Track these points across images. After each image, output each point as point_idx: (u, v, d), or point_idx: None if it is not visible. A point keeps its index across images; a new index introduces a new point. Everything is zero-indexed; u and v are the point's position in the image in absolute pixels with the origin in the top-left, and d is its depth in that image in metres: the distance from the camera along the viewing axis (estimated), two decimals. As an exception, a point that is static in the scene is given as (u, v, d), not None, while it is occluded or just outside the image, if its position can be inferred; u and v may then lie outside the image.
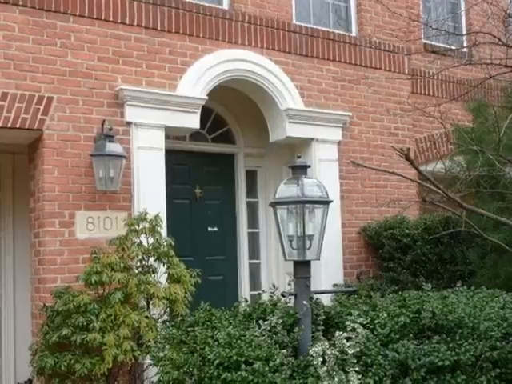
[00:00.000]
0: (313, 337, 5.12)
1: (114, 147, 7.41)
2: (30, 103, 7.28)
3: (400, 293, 5.94)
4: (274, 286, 5.91)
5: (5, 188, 9.04)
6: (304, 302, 5.16)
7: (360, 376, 4.63)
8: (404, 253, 8.91)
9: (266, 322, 5.22)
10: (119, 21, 7.92)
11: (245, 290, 9.74)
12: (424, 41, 11.10)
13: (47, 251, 7.25)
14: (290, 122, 9.05)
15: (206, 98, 8.41)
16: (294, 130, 9.11)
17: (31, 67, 7.31)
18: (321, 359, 4.71)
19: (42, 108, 7.34)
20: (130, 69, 7.93)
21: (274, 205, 5.39)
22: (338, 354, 4.78)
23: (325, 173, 9.10)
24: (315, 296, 5.46)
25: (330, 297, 7.75)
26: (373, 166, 8.75)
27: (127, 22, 7.97)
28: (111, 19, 7.87)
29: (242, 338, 4.86)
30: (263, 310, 5.58)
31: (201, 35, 8.50)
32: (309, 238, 5.19)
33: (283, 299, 5.58)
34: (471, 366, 4.82)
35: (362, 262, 9.69)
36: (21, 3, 7.28)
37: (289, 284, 5.74)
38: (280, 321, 5.17)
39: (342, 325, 5.24)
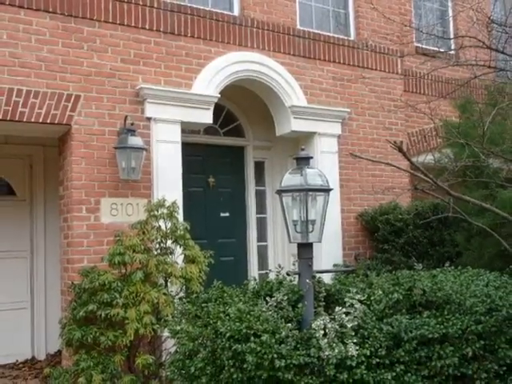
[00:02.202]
0: (315, 312, 5.11)
1: (135, 140, 7.40)
2: (60, 101, 7.28)
3: (394, 272, 5.93)
4: (279, 266, 5.89)
5: (37, 177, 9.08)
6: (307, 281, 5.14)
7: (357, 347, 4.63)
8: (397, 236, 8.90)
9: (272, 299, 5.21)
10: (140, 26, 7.91)
11: (254, 270, 9.75)
12: (416, 44, 11.03)
13: (75, 234, 7.26)
14: (294, 118, 9.03)
15: (219, 95, 8.39)
16: (298, 125, 9.09)
17: (61, 68, 7.31)
18: (322, 332, 4.71)
19: (70, 105, 7.34)
20: (150, 69, 7.92)
21: (279, 192, 5.37)
22: (337, 327, 4.77)
23: (326, 163, 9.07)
24: (317, 275, 5.44)
25: (330, 276, 7.74)
26: (369, 158, 8.72)
27: (147, 27, 7.96)
28: (133, 24, 7.86)
29: (251, 313, 4.86)
30: (270, 287, 5.57)
31: (214, 39, 8.47)
32: (311, 222, 5.17)
33: (288, 278, 5.57)
34: (458, 338, 4.81)
35: (359, 245, 9.68)
36: (51, 10, 7.28)
37: (293, 264, 5.74)
38: (285, 297, 5.17)
39: (341, 301, 5.23)
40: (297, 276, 5.34)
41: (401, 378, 4.69)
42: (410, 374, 4.71)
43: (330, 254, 8.97)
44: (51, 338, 8.64)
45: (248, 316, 4.79)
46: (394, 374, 4.65)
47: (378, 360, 4.66)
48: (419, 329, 4.79)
